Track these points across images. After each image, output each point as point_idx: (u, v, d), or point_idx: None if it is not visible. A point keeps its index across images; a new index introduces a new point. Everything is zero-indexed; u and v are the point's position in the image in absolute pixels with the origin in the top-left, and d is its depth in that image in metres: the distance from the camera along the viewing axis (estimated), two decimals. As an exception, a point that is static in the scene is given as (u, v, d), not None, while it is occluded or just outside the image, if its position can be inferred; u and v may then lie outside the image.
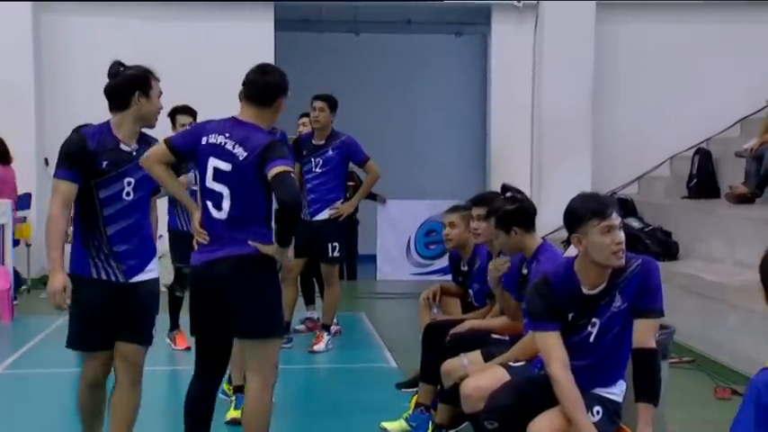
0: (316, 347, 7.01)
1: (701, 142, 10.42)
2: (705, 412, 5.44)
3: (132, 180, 3.95)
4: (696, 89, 10.69)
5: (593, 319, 3.52)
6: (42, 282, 10.09)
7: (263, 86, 3.98)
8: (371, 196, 11.03)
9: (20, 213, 9.59)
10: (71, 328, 4.11)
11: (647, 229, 8.69)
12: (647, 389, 3.43)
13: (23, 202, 9.75)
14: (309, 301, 7.92)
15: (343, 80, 12.90)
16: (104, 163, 3.89)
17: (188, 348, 6.55)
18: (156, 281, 4.12)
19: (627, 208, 9.39)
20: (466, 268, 5.24)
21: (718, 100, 10.56)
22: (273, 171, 3.74)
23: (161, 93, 4.07)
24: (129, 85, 3.96)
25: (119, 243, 3.94)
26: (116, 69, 4.02)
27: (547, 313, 3.52)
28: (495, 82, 11.04)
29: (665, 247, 8.39)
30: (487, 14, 11.08)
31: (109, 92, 4.01)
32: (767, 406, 2.11)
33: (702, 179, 9.68)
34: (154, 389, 4.92)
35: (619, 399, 3.61)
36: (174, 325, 6.92)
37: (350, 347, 7.26)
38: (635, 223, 8.84)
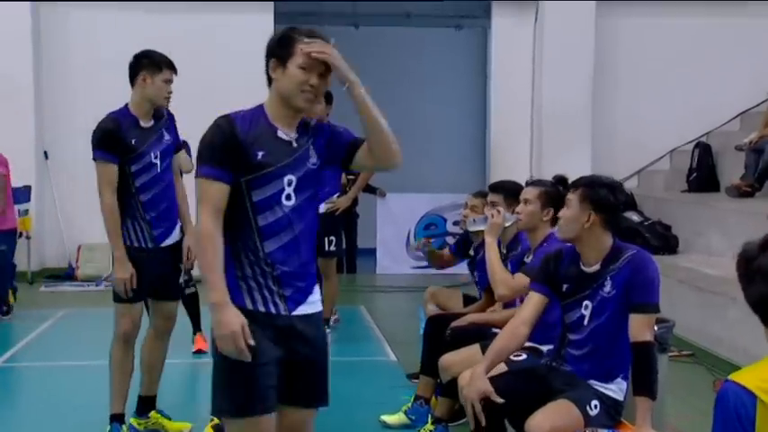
0: (315, 341, 7.02)
1: (701, 136, 10.42)
2: (704, 405, 5.44)
3: (294, 179, 2.96)
4: (696, 83, 10.69)
5: (585, 302, 3.58)
6: (42, 275, 10.14)
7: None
8: (371, 190, 11.03)
9: (20, 206, 9.58)
10: (231, 390, 2.89)
11: (646, 223, 8.69)
12: (643, 382, 3.44)
13: (23, 194, 9.75)
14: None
15: (343, 73, 12.88)
16: (259, 154, 2.92)
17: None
18: (320, 315, 3.11)
19: (626, 202, 9.37)
20: (473, 253, 5.25)
21: (717, 93, 10.55)
22: None
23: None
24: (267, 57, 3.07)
25: (280, 263, 2.92)
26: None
27: (539, 274, 3.74)
28: (495, 75, 11.02)
29: (665, 240, 8.39)
30: (487, 8, 11.06)
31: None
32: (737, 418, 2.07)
33: (702, 173, 9.68)
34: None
35: (618, 396, 3.60)
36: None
37: (349, 341, 7.26)
38: (635, 217, 8.85)
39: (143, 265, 4.48)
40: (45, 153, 10.40)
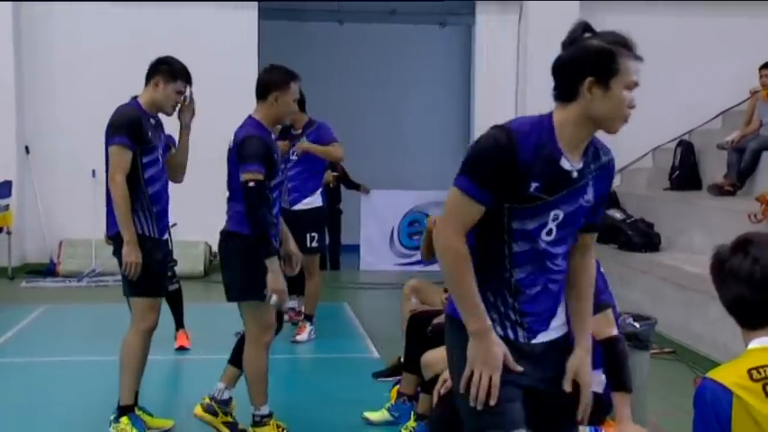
0: (298, 337, 7.01)
1: (684, 134, 10.48)
2: (684, 402, 5.43)
3: (561, 214, 2.56)
4: (678, 81, 10.73)
5: None
6: (23, 270, 10.07)
7: (257, 82, 4.60)
8: (355, 186, 11.03)
9: (1, 201, 9.52)
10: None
11: (629, 221, 8.73)
12: (616, 377, 3.45)
13: (4, 189, 9.69)
14: (293, 291, 7.86)
15: (327, 70, 12.87)
16: (533, 186, 2.50)
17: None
18: (563, 339, 2.75)
19: (609, 199, 9.42)
20: None
21: (700, 92, 10.61)
22: (241, 178, 4.37)
23: None
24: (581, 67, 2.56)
25: (526, 290, 2.61)
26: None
27: None
28: (480, 73, 11.03)
29: (647, 238, 8.43)
30: (472, 5, 11.08)
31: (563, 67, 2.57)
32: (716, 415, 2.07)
33: (684, 171, 9.73)
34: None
35: (597, 389, 3.60)
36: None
37: (333, 337, 7.26)
38: (617, 214, 8.88)
39: (153, 254, 4.59)
40: (26, 148, 10.33)
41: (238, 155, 4.41)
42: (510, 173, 2.45)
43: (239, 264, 4.46)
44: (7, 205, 9.66)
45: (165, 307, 6.79)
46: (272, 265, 4.33)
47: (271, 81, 4.54)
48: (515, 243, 2.55)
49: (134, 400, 4.67)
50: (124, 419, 4.59)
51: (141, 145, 4.55)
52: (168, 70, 4.65)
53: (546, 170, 2.49)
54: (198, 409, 4.69)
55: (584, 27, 2.58)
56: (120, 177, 4.47)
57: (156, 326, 4.71)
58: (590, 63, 2.48)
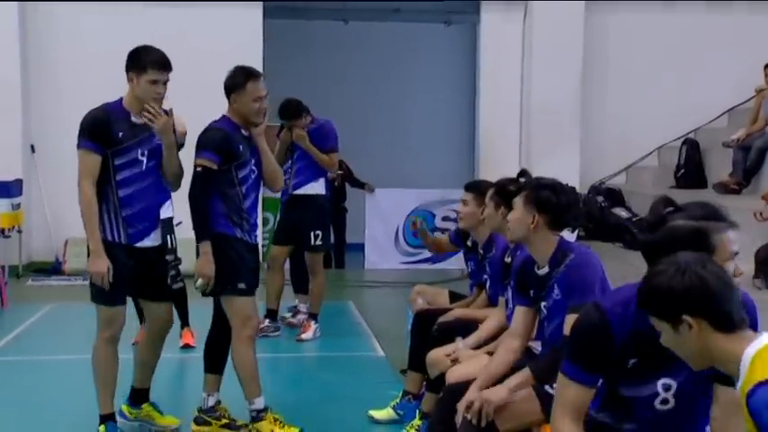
0: (303, 336, 7.01)
1: (689, 132, 10.47)
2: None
3: (674, 383, 2.58)
4: (684, 79, 10.72)
5: (543, 303, 3.57)
6: (29, 269, 10.10)
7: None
8: (359, 185, 11.03)
9: (13, 200, 9.54)
10: None
11: (635, 219, 8.73)
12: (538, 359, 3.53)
13: (16, 188, 9.70)
14: (298, 290, 7.86)
15: (332, 68, 12.89)
16: (631, 362, 2.55)
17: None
18: None
19: (615, 198, 9.43)
20: (470, 244, 5.18)
21: (705, 90, 10.59)
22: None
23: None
24: None
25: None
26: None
27: (517, 286, 3.77)
28: (484, 71, 11.02)
29: (653, 236, 8.42)
30: (477, 3, 11.07)
31: None
32: None
33: (690, 169, 9.73)
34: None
35: None
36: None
37: (337, 336, 7.26)
38: (623, 213, 8.88)
39: (116, 261, 4.38)
40: (32, 147, 10.35)
41: (196, 145, 4.53)
42: (606, 352, 2.45)
43: (216, 260, 4.49)
44: (19, 204, 9.69)
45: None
46: (204, 248, 4.43)
47: (227, 84, 4.64)
48: (630, 407, 2.54)
49: (112, 407, 4.59)
50: (101, 429, 4.52)
51: (111, 147, 4.31)
52: (137, 62, 4.35)
53: (644, 346, 2.43)
54: (193, 426, 4.75)
55: (665, 202, 2.54)
56: (86, 183, 4.29)
57: (119, 335, 4.52)
58: (684, 247, 2.34)
